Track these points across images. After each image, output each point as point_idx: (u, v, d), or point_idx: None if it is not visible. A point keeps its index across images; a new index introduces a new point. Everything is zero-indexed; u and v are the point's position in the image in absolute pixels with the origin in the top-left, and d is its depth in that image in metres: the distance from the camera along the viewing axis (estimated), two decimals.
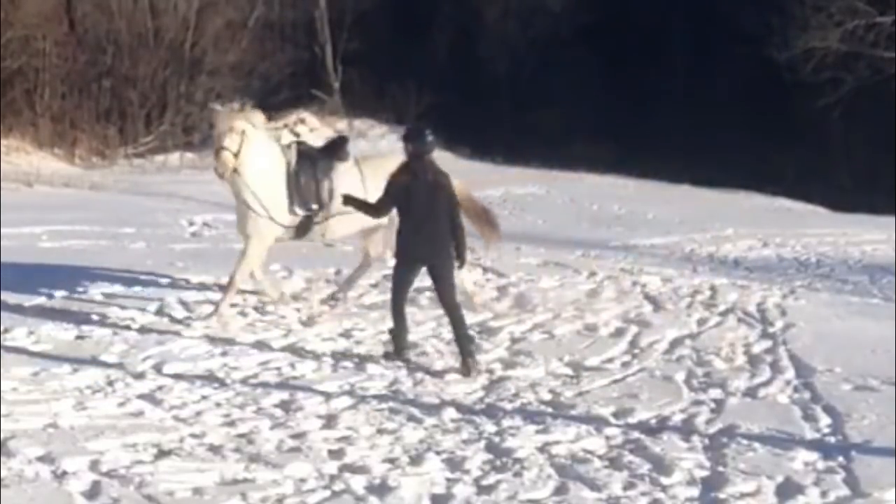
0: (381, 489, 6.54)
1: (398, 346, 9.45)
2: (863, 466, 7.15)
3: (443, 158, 15.32)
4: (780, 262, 16.70)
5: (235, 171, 10.13)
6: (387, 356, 9.43)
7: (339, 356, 9.39)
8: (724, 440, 7.59)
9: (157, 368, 8.70)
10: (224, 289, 10.47)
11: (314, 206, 10.61)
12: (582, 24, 37.42)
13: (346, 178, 10.68)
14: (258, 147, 10.28)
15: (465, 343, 9.26)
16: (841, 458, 7.29)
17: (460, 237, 9.27)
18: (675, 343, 10.41)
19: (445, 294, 9.36)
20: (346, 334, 10.12)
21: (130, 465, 6.65)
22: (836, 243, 18.83)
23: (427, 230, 9.22)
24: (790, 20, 31.35)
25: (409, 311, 11.07)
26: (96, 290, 11.08)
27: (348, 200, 9.68)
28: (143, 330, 9.76)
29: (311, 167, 10.62)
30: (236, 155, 10.06)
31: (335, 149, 11.12)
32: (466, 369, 9.10)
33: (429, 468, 6.90)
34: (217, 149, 10.15)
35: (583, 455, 7.25)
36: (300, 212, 10.59)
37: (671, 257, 16.51)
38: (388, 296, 11.51)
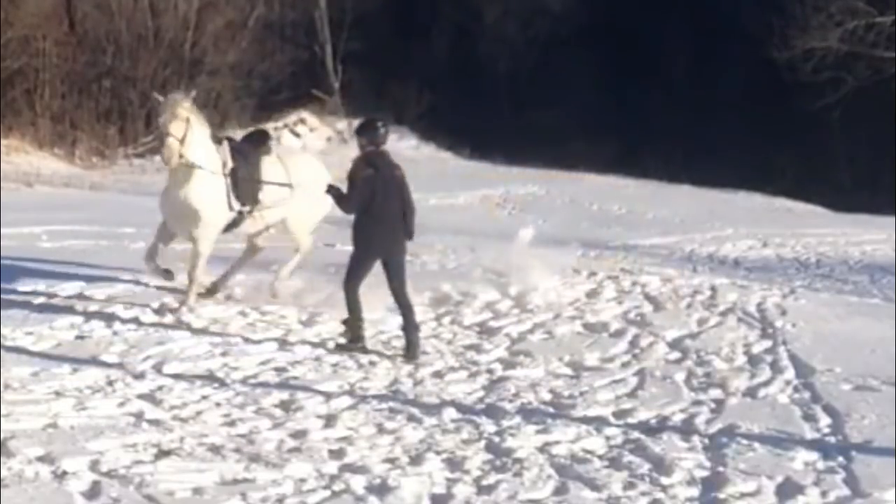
0: (381, 489, 6.54)
1: (354, 335, 9.57)
2: (863, 466, 7.15)
3: (443, 158, 15.32)
4: (780, 262, 16.69)
5: (182, 157, 10.11)
6: (340, 347, 9.52)
7: (339, 356, 9.39)
8: (724, 440, 7.60)
9: (157, 368, 8.69)
10: (187, 288, 10.47)
11: (247, 205, 10.56)
12: (582, 24, 37.40)
13: (272, 172, 10.73)
14: (201, 136, 10.33)
15: (412, 332, 9.55)
16: (841, 458, 7.30)
17: (410, 216, 9.60)
18: (675, 343, 10.41)
19: (399, 286, 9.62)
20: (347, 334, 10.10)
21: (130, 465, 6.65)
22: (836, 243, 18.81)
23: (387, 223, 9.48)
24: (790, 20, 31.32)
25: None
26: (96, 290, 11.06)
27: (330, 189, 9.84)
28: (143, 330, 9.76)
29: (244, 163, 10.59)
30: (182, 142, 10.08)
31: (258, 142, 11.15)
32: (412, 355, 9.42)
33: (429, 468, 6.90)
34: (163, 136, 10.17)
35: (583, 455, 7.26)
36: (237, 208, 10.54)
37: (671, 257, 16.50)
38: (382, 292, 11.53)
